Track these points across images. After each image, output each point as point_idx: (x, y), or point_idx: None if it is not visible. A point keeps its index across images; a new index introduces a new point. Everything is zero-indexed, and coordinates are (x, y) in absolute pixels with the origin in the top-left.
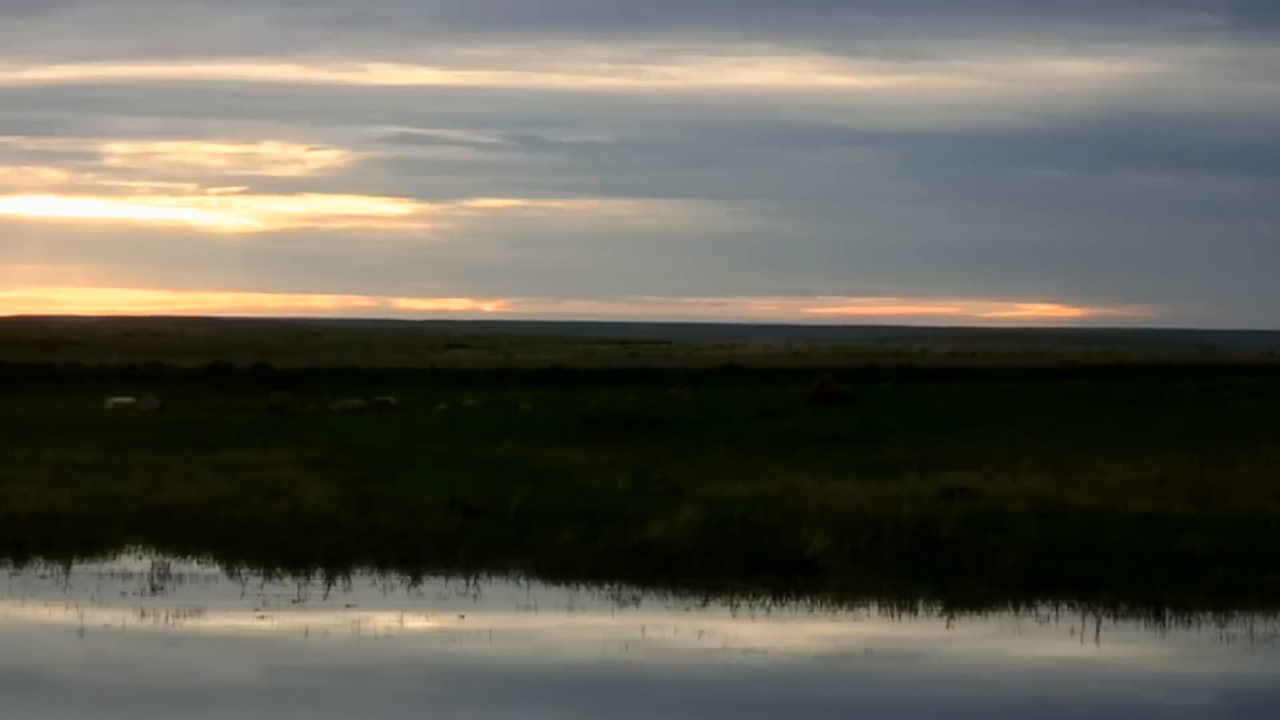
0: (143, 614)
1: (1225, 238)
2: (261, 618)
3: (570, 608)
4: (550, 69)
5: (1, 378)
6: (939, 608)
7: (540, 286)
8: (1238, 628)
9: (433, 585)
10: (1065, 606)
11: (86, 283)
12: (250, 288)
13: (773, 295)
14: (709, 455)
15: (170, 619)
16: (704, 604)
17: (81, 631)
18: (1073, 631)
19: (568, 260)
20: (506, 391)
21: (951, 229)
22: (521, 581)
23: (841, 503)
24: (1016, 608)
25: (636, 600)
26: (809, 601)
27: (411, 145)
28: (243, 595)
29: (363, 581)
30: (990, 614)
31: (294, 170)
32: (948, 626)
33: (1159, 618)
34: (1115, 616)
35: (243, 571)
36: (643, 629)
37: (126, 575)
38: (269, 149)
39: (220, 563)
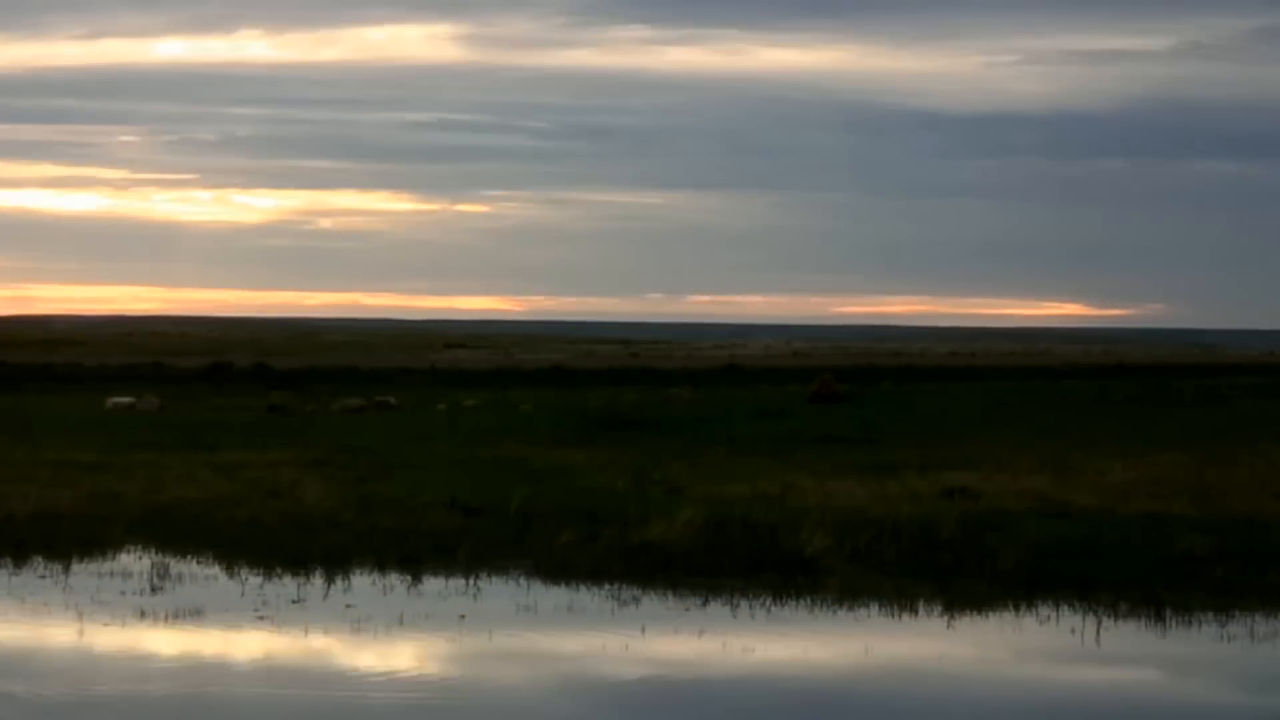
0: (142, 614)
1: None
2: (261, 618)
3: (570, 608)
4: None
5: (1, 378)
6: (939, 608)
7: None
8: (1238, 628)
9: (433, 585)
10: (1065, 606)
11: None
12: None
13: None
14: (709, 455)
15: (170, 619)
16: (704, 604)
17: (81, 631)
18: (1073, 631)
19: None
20: (507, 391)
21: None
22: (521, 581)
23: (841, 503)
24: (1016, 608)
25: (636, 600)
26: (809, 601)
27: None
28: (243, 595)
29: (363, 581)
30: (990, 614)
31: None
32: (948, 626)
33: (1159, 618)
34: (1115, 616)
35: (243, 571)
36: (643, 629)
37: (126, 575)
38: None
39: (220, 563)
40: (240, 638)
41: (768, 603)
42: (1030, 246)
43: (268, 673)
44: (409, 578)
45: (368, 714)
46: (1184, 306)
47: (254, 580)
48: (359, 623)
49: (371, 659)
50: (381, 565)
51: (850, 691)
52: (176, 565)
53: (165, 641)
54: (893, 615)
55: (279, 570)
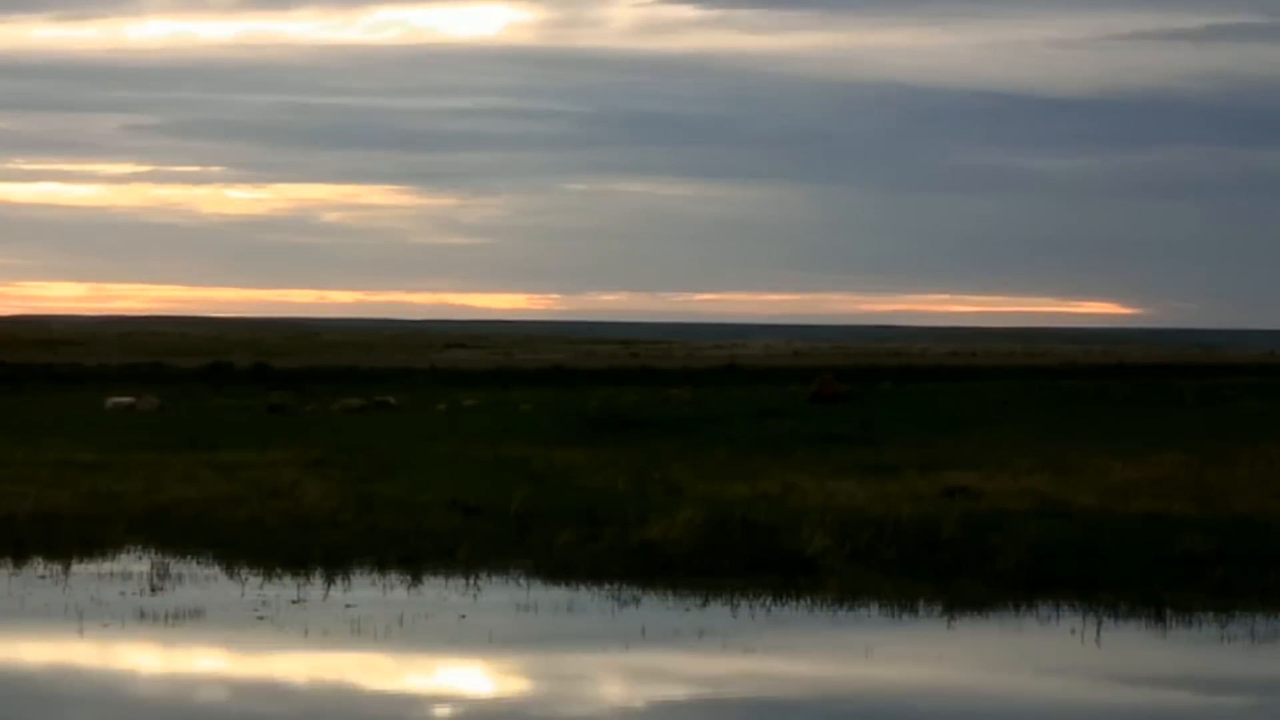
0: (142, 614)
1: None
2: (261, 618)
3: (570, 608)
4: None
5: (1, 378)
6: (939, 608)
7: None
8: (1239, 628)
9: (433, 585)
10: (1066, 606)
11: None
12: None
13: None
14: (709, 455)
15: (170, 619)
16: (704, 604)
17: (81, 631)
18: (1073, 631)
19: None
20: (506, 391)
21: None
22: (521, 581)
23: (842, 503)
24: (1017, 608)
25: (636, 600)
26: (809, 601)
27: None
28: (243, 595)
29: (363, 581)
30: (990, 614)
31: None
32: (948, 626)
33: (1160, 618)
34: (1116, 616)
35: (243, 571)
36: (643, 629)
37: (126, 575)
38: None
39: (220, 563)
40: (240, 638)
41: (768, 603)
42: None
43: (268, 673)
44: (409, 578)
45: (368, 714)
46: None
47: (254, 580)
48: (359, 623)
49: (371, 659)
50: (381, 565)
51: (850, 692)
52: (176, 565)
53: (165, 641)
54: (893, 615)
55: (279, 570)
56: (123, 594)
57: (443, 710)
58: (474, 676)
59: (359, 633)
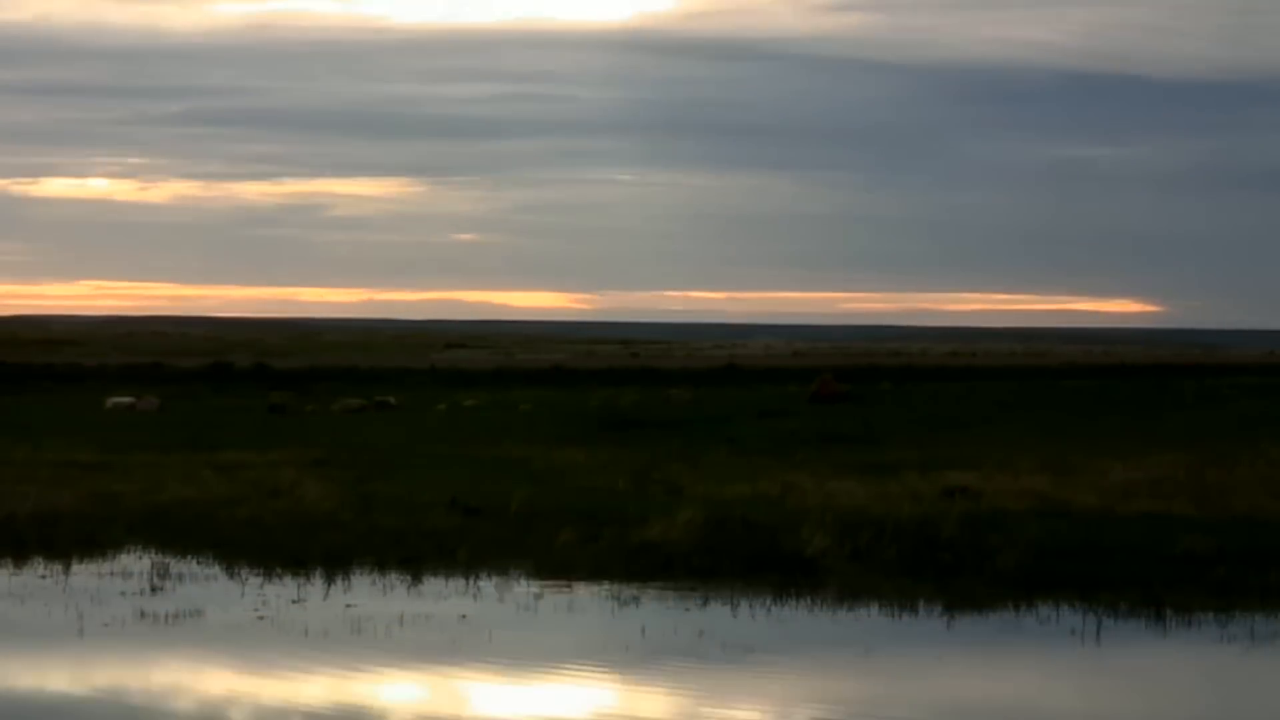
0: (142, 614)
1: None
2: (261, 618)
3: (570, 608)
4: None
5: (1, 378)
6: (939, 608)
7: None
8: (1238, 628)
9: (433, 585)
10: (1066, 606)
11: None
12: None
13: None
14: (709, 455)
15: (170, 619)
16: (704, 604)
17: (81, 631)
18: (1073, 632)
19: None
20: (507, 391)
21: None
22: (521, 581)
23: (842, 503)
24: (1017, 608)
25: (636, 600)
26: (809, 601)
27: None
28: (243, 595)
29: (363, 581)
30: (990, 614)
31: None
32: (948, 627)
33: (1160, 618)
34: (1116, 616)
35: (243, 571)
36: (643, 629)
37: (126, 575)
38: None
39: (220, 563)
40: (240, 638)
41: (768, 603)
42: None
43: (267, 673)
44: (409, 578)
45: (368, 714)
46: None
47: (254, 580)
48: (359, 623)
49: (371, 659)
50: (381, 565)
51: (851, 691)
52: (176, 565)
53: (165, 641)
54: (893, 615)
55: (279, 570)
56: (123, 594)
57: (443, 710)
58: (474, 677)
59: (359, 633)
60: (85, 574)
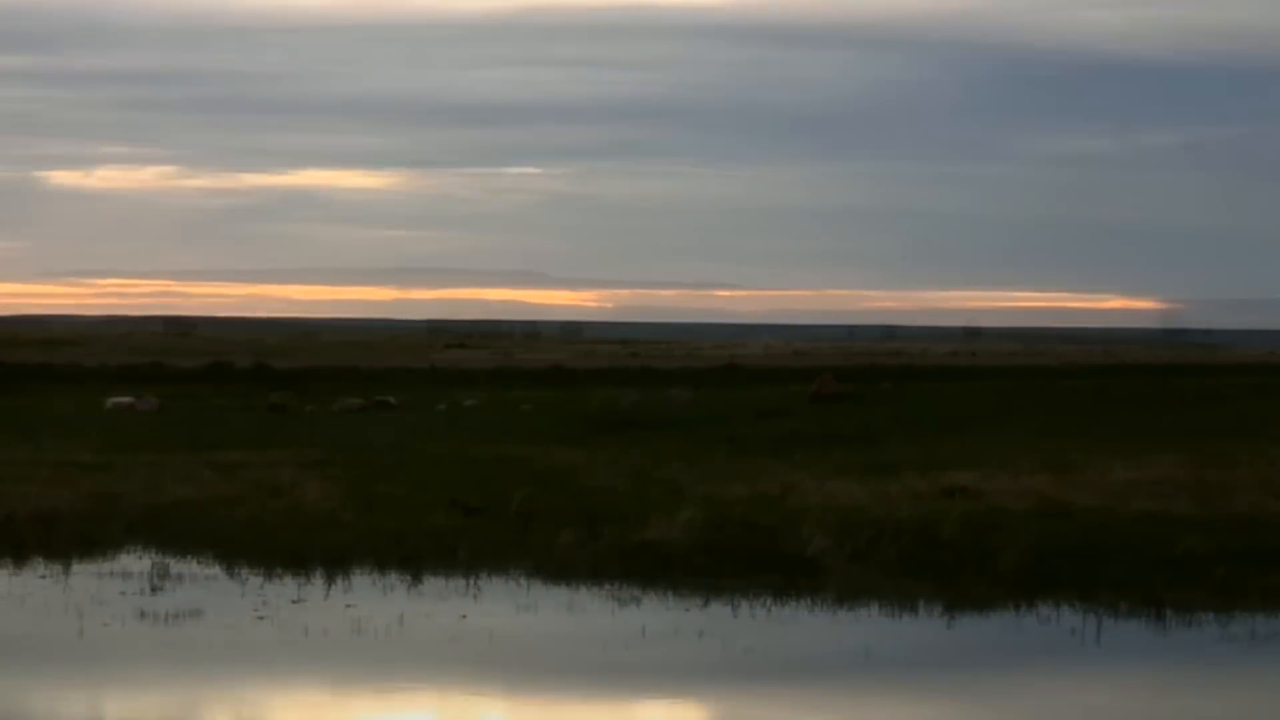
0: (142, 614)
1: None
2: (261, 618)
3: (570, 608)
4: None
5: (1, 378)
6: (939, 608)
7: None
8: (1239, 628)
9: (433, 585)
10: (1066, 606)
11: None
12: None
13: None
14: (709, 455)
15: (170, 619)
16: (704, 604)
17: (81, 631)
18: (1073, 632)
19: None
20: (507, 391)
21: None
22: (521, 581)
23: (842, 503)
24: (1017, 608)
25: (636, 600)
26: (810, 601)
27: None
28: (242, 595)
29: (363, 581)
30: (991, 614)
31: None
32: (948, 626)
33: (1160, 618)
34: (1116, 616)
35: (243, 571)
36: (643, 629)
37: (126, 575)
38: None
39: (220, 563)
40: (240, 638)
41: (768, 603)
42: None
43: (268, 672)
44: (409, 578)
45: (367, 714)
46: None
47: (254, 580)
48: (359, 623)
49: (371, 659)
50: (381, 565)
51: (851, 692)
52: (176, 565)
53: (165, 641)
54: (893, 615)
55: (279, 570)
56: (123, 594)
57: (443, 711)
58: (474, 677)
59: (359, 633)
60: (85, 574)
